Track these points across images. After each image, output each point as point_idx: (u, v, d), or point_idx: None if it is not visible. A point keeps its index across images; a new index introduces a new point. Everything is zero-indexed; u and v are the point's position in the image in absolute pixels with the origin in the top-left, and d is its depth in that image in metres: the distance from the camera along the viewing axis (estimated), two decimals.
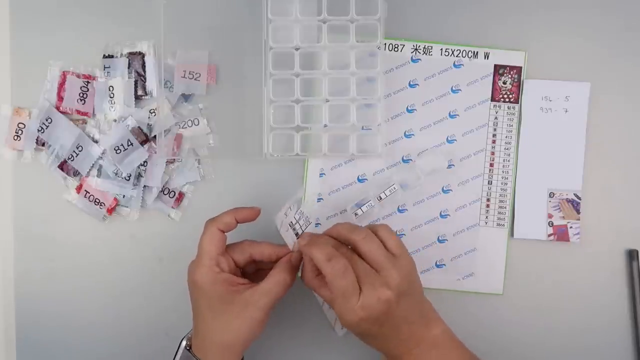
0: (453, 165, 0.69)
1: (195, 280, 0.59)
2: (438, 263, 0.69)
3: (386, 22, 0.66)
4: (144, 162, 0.68)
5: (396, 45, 0.69)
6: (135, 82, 0.69)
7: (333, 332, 0.69)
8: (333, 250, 0.57)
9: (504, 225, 0.69)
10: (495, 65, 0.69)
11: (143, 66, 0.69)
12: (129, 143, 0.68)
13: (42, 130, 0.68)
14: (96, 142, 0.69)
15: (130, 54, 0.69)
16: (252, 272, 0.64)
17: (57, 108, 0.68)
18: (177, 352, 0.62)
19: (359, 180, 0.70)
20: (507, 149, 0.69)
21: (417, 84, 0.69)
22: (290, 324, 0.70)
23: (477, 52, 0.69)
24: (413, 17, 0.69)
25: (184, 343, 0.62)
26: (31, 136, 0.68)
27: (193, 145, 0.69)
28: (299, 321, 0.70)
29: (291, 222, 0.63)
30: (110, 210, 0.69)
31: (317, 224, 0.69)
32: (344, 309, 0.56)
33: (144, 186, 0.69)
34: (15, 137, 0.69)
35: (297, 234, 0.63)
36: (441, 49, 0.69)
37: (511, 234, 0.69)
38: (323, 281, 0.58)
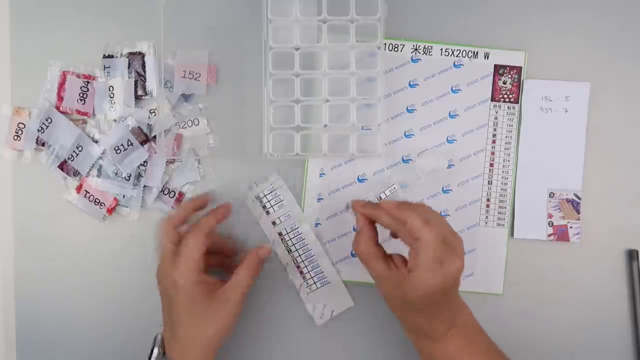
0: (453, 165, 0.69)
1: (176, 281, 0.59)
2: None
3: (386, 22, 0.66)
4: (144, 162, 0.68)
5: (396, 45, 0.69)
6: (135, 82, 0.69)
7: (312, 326, 0.69)
8: (427, 212, 0.58)
9: (504, 225, 0.69)
10: (495, 65, 0.69)
11: (143, 66, 0.69)
12: (129, 143, 0.68)
13: (42, 130, 0.68)
14: (96, 142, 0.69)
15: (130, 54, 0.69)
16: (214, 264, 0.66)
17: (57, 108, 0.68)
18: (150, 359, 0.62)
19: (359, 180, 0.70)
20: (507, 149, 0.69)
21: (417, 84, 0.69)
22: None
23: (477, 52, 0.69)
24: (413, 17, 0.69)
25: (156, 350, 0.62)
26: (31, 136, 0.68)
27: (193, 145, 0.69)
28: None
29: (258, 195, 0.67)
30: (110, 210, 0.69)
31: (317, 224, 0.69)
32: (425, 276, 0.55)
33: (144, 186, 0.69)
34: (15, 137, 0.69)
35: (264, 207, 0.68)
36: (441, 49, 0.69)
37: (511, 234, 0.69)
38: (380, 252, 0.59)
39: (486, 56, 0.69)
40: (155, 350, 0.62)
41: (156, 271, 0.62)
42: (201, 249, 0.61)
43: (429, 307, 0.57)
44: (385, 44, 0.69)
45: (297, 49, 0.67)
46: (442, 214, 0.69)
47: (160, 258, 0.62)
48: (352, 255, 0.69)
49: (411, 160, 0.69)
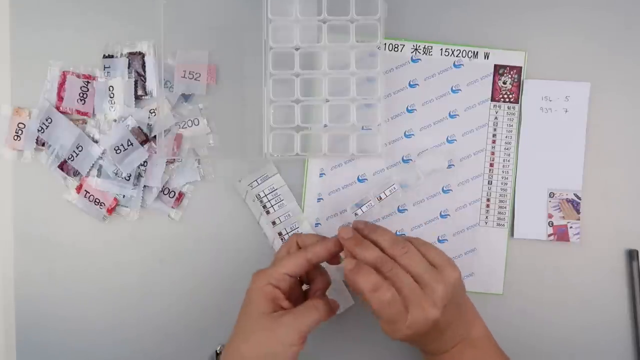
0: (453, 165, 0.69)
1: (253, 286, 0.58)
2: None
3: (386, 22, 0.66)
4: (144, 162, 0.68)
5: (396, 45, 0.69)
6: (135, 82, 0.69)
7: None
8: (378, 279, 0.56)
9: (504, 225, 0.69)
10: (495, 65, 0.69)
11: (143, 66, 0.69)
12: (129, 143, 0.68)
13: (42, 130, 0.68)
14: (96, 142, 0.69)
15: (130, 54, 0.69)
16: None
17: (57, 108, 0.68)
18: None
19: (359, 180, 0.70)
20: (507, 149, 0.69)
21: (417, 84, 0.69)
22: None
23: (477, 52, 0.69)
24: (413, 17, 0.69)
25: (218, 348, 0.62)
26: (31, 136, 0.68)
27: (193, 145, 0.69)
28: None
29: (258, 195, 0.67)
30: (110, 210, 0.69)
31: (317, 224, 0.69)
32: (391, 330, 0.57)
33: (144, 186, 0.69)
34: (15, 137, 0.69)
35: (264, 207, 0.68)
36: (441, 49, 0.69)
37: (511, 234, 0.69)
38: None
39: (486, 56, 0.69)
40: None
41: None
42: (293, 269, 0.59)
43: (411, 341, 0.58)
44: (385, 44, 0.69)
45: (297, 49, 0.67)
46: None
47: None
48: None
49: (411, 160, 0.69)
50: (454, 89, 0.69)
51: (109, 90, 0.68)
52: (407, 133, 0.70)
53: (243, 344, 0.57)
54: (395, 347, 0.69)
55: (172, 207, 0.70)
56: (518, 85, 0.69)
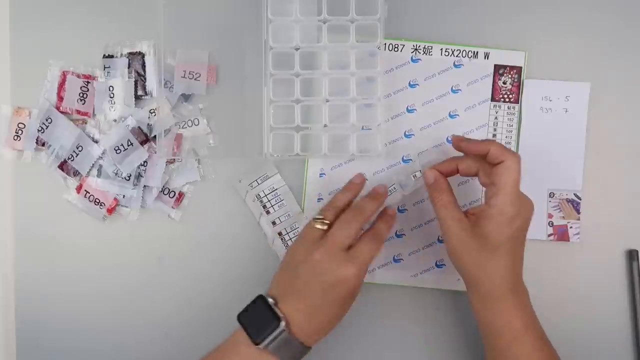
0: None
1: (349, 279, 0.59)
2: (438, 263, 0.69)
3: (386, 22, 0.66)
4: (144, 162, 0.68)
5: (396, 45, 0.69)
6: (135, 82, 0.69)
7: None
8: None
9: None
10: (495, 65, 0.69)
11: (143, 66, 0.69)
12: (129, 143, 0.68)
13: (42, 130, 0.68)
14: (96, 142, 0.69)
15: (130, 54, 0.69)
16: None
17: (57, 108, 0.68)
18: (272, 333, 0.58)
19: None
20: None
21: (417, 84, 0.69)
22: None
23: (477, 52, 0.69)
24: (413, 17, 0.69)
25: (282, 324, 0.58)
26: (31, 136, 0.68)
27: (193, 145, 0.69)
28: None
29: (258, 195, 0.68)
30: (110, 210, 0.69)
31: None
32: (508, 199, 0.58)
33: (144, 186, 0.69)
34: (15, 137, 0.69)
35: (264, 207, 0.68)
36: (441, 49, 0.69)
37: None
38: (455, 200, 0.62)
39: (486, 56, 0.69)
40: (282, 324, 0.58)
41: (311, 254, 0.59)
42: (375, 257, 0.61)
43: (500, 249, 0.58)
44: (385, 44, 0.69)
45: (297, 49, 0.67)
46: None
47: (329, 245, 0.59)
48: None
49: (411, 160, 0.69)
50: (454, 89, 0.69)
51: (109, 90, 0.68)
52: (407, 133, 0.70)
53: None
54: (395, 348, 0.69)
55: (172, 207, 0.70)
56: (518, 85, 0.69)
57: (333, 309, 0.59)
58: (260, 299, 0.59)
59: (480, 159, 0.61)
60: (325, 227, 0.61)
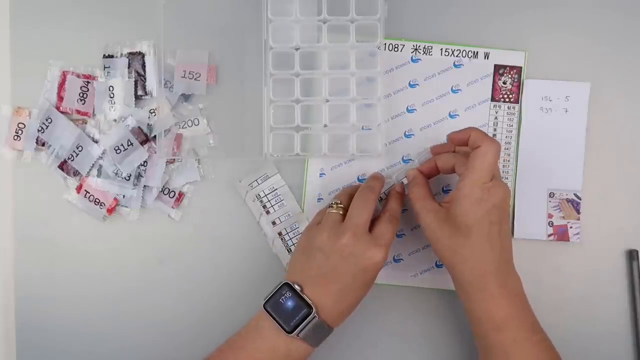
0: None
1: (378, 262, 0.59)
2: (438, 263, 0.69)
3: (386, 22, 0.66)
4: (144, 162, 0.68)
5: (396, 45, 0.69)
6: (135, 82, 0.69)
7: None
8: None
9: None
10: (495, 65, 0.69)
11: (143, 66, 0.69)
12: (129, 143, 0.68)
13: (42, 130, 0.68)
14: (96, 142, 0.69)
15: (130, 54, 0.69)
16: None
17: (57, 108, 0.68)
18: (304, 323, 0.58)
19: (359, 180, 0.70)
20: (507, 149, 0.69)
21: (417, 84, 0.69)
22: None
23: (477, 52, 0.69)
24: (413, 17, 0.69)
25: (313, 311, 0.58)
26: (31, 136, 0.68)
27: (193, 145, 0.69)
28: None
29: (258, 195, 0.68)
30: (110, 210, 0.69)
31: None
32: (478, 177, 0.58)
33: (144, 186, 0.69)
34: (15, 137, 0.69)
35: (264, 207, 0.68)
36: (441, 49, 0.69)
37: (511, 233, 0.69)
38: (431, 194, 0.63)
39: (486, 56, 0.69)
40: (313, 316, 0.58)
41: (333, 239, 0.59)
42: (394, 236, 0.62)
43: (472, 232, 0.58)
44: (385, 44, 0.69)
45: (297, 49, 0.67)
46: None
47: (353, 226, 0.59)
48: None
49: (411, 160, 0.69)
50: (454, 89, 0.69)
51: (109, 90, 0.68)
52: (407, 133, 0.70)
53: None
54: (395, 348, 0.69)
55: (172, 207, 0.70)
56: (518, 85, 0.69)
57: (360, 292, 0.60)
58: (286, 286, 0.59)
59: (460, 153, 0.62)
60: (341, 212, 0.61)
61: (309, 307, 0.58)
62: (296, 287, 0.59)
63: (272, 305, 0.59)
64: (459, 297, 0.61)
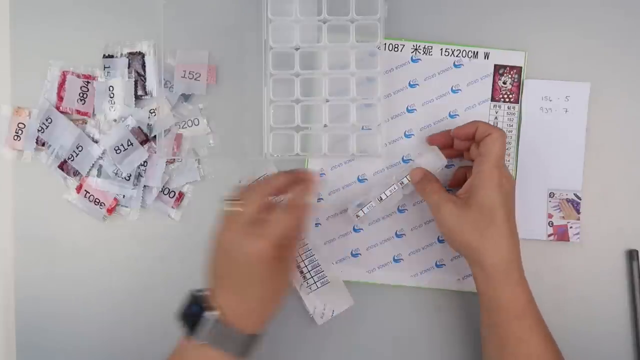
0: (453, 165, 0.69)
1: (261, 255, 0.55)
2: (438, 263, 0.69)
3: (386, 22, 0.66)
4: (144, 162, 0.68)
5: (396, 45, 0.69)
6: (135, 82, 0.69)
7: (312, 326, 0.69)
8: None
9: None
10: (495, 65, 0.69)
11: (143, 66, 0.69)
12: (129, 143, 0.68)
13: (42, 130, 0.68)
14: (96, 142, 0.69)
15: (130, 54, 0.69)
16: None
17: (57, 108, 0.68)
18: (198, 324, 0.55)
19: (359, 180, 0.70)
20: (507, 149, 0.69)
21: (417, 84, 0.69)
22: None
23: (477, 52, 0.69)
24: (413, 17, 0.69)
25: (211, 313, 0.55)
26: (31, 136, 0.68)
27: (193, 145, 0.69)
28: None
29: None
30: (110, 210, 0.69)
31: (317, 224, 0.69)
32: (494, 164, 0.60)
33: (144, 186, 0.69)
34: (15, 137, 0.69)
35: None
36: (441, 49, 0.69)
37: None
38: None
39: (486, 56, 0.69)
40: (216, 321, 0.55)
41: (221, 233, 0.57)
42: (293, 229, 0.57)
43: (497, 215, 0.58)
44: (385, 44, 0.69)
45: (297, 49, 0.67)
46: None
47: (236, 221, 0.56)
48: (352, 255, 0.69)
49: (411, 160, 0.69)
50: (454, 89, 0.69)
51: (109, 90, 0.68)
52: (407, 133, 0.69)
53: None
54: (394, 348, 0.69)
55: (172, 207, 0.70)
56: (518, 85, 0.69)
57: (257, 288, 0.56)
58: (189, 293, 0.57)
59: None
60: (234, 207, 0.57)
61: (209, 308, 0.55)
62: (196, 292, 0.57)
63: (180, 315, 0.57)
64: (478, 287, 0.61)
